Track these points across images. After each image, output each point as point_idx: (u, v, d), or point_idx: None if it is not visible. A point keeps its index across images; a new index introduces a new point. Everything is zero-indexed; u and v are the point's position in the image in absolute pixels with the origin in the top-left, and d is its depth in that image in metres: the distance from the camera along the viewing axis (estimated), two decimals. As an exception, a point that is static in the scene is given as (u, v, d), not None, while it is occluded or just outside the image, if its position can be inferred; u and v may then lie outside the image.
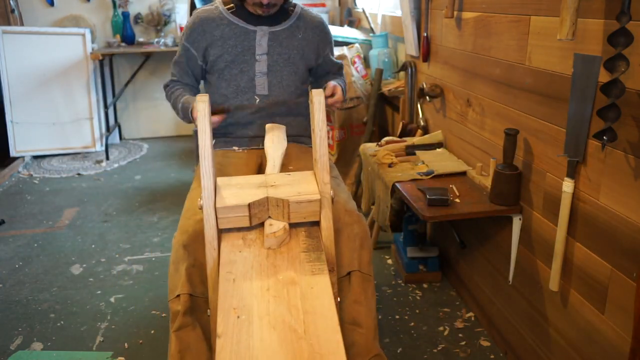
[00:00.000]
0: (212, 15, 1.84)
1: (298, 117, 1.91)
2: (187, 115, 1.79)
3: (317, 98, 1.34)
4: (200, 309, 1.43)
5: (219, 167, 1.74)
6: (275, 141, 1.66)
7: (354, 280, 1.50)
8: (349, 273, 1.50)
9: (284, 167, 1.72)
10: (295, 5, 1.91)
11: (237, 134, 1.89)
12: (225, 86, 1.85)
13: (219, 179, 1.43)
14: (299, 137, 1.91)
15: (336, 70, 2.04)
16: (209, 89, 1.93)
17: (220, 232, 1.35)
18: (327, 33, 1.96)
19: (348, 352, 1.42)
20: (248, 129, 1.87)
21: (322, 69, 2.01)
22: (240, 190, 1.37)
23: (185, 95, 1.84)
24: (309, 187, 1.38)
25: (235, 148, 1.88)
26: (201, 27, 1.82)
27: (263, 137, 1.81)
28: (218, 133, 1.90)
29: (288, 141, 1.85)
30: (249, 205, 1.31)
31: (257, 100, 1.85)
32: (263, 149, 1.71)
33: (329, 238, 1.36)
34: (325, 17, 4.36)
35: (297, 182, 1.41)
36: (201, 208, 1.30)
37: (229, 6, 1.84)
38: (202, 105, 1.30)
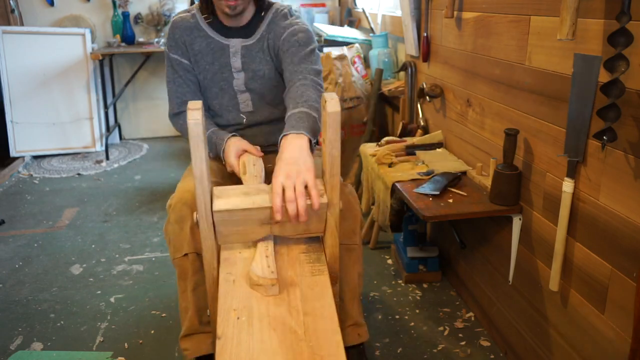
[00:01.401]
0: (189, 25, 1.71)
1: None
2: (216, 153, 1.66)
3: (333, 110, 1.15)
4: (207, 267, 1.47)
5: (213, 170, 1.72)
6: (251, 161, 1.58)
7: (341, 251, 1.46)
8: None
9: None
10: (271, 5, 1.73)
11: None
12: (211, 103, 1.77)
13: (215, 189, 1.31)
14: None
15: (299, 77, 1.55)
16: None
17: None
18: (285, 21, 1.68)
19: None
20: None
21: (286, 73, 1.63)
22: (242, 227, 1.27)
23: (209, 128, 1.69)
24: (317, 226, 1.31)
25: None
26: (181, 37, 1.71)
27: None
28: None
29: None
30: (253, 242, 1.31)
31: (244, 119, 1.78)
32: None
33: (333, 255, 1.33)
34: (325, 17, 4.36)
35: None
36: (196, 222, 1.25)
37: (205, 15, 1.71)
38: (194, 113, 1.16)
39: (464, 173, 2.02)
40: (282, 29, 1.66)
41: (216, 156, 1.68)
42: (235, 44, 1.70)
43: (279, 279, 1.17)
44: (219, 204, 1.23)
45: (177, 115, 1.78)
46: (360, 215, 1.60)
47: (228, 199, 1.25)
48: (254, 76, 1.72)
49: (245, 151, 1.62)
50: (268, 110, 1.78)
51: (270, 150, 1.76)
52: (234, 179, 1.69)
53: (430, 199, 1.83)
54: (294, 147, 1.25)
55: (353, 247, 1.53)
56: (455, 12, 2.08)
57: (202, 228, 1.25)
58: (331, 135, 1.20)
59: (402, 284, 2.35)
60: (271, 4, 1.74)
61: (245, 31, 1.71)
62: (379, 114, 3.15)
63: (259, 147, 1.63)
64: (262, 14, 1.71)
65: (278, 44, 1.67)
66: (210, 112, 1.81)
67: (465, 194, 1.84)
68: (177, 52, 1.72)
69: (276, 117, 1.79)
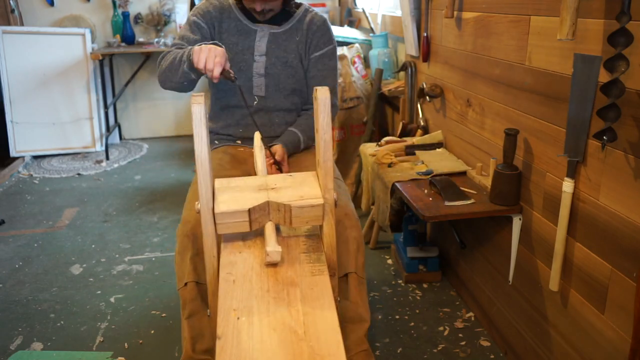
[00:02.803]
0: (222, 4, 1.81)
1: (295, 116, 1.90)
2: (191, 64, 1.55)
3: (322, 97, 1.24)
4: (206, 294, 1.47)
5: (219, 163, 1.74)
6: (257, 151, 1.62)
7: (351, 281, 1.54)
8: (346, 275, 1.54)
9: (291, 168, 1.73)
10: (300, 5, 1.87)
11: (237, 135, 1.88)
12: (224, 82, 1.80)
13: (217, 181, 1.39)
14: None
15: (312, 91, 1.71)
16: (211, 88, 1.90)
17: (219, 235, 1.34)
18: (323, 34, 1.83)
19: None
20: (247, 129, 1.86)
21: (309, 76, 1.85)
22: (239, 194, 1.32)
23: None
24: (311, 190, 1.33)
25: (239, 142, 1.87)
26: (214, 12, 1.79)
27: (266, 137, 1.80)
28: (217, 134, 1.89)
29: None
30: (249, 210, 1.26)
31: (255, 102, 1.83)
32: (266, 147, 1.71)
33: (330, 245, 1.33)
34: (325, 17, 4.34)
35: (298, 184, 1.36)
36: (198, 213, 1.27)
37: (236, 1, 1.82)
38: (197, 107, 1.22)
39: (464, 173, 2.02)
40: (321, 40, 1.82)
41: (189, 67, 1.58)
42: (264, 29, 1.80)
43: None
44: (220, 182, 1.36)
45: (163, 57, 1.71)
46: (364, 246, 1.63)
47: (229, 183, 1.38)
48: (276, 62, 1.80)
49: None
50: (279, 98, 1.84)
51: (273, 143, 1.80)
52: (248, 168, 1.75)
53: (431, 199, 1.83)
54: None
55: (364, 281, 1.58)
56: (455, 12, 2.08)
57: (203, 214, 1.27)
58: (322, 121, 1.25)
59: (402, 284, 2.35)
60: (299, 4, 1.86)
61: (274, 20, 1.81)
62: (379, 114, 3.15)
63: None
64: (291, 11, 1.83)
65: (312, 50, 1.82)
66: (222, 93, 1.85)
67: (475, 192, 1.84)
68: (203, 19, 1.78)
69: (285, 107, 1.86)
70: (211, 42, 1.57)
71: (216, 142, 1.88)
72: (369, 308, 1.59)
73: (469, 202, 1.78)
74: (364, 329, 1.55)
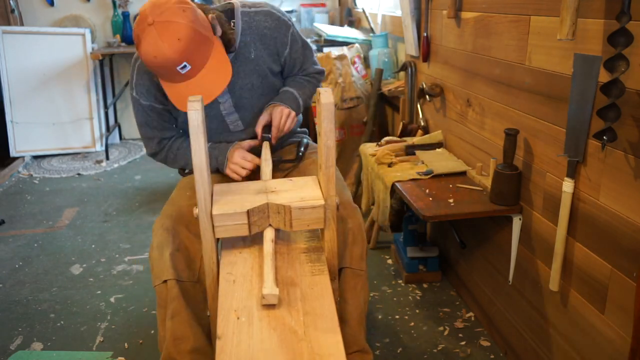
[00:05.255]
0: (154, 77, 1.57)
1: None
2: (216, 165, 1.64)
3: (326, 100, 1.20)
4: (188, 293, 1.43)
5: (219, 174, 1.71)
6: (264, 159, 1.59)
7: (343, 277, 1.47)
8: (339, 270, 1.46)
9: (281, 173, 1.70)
10: (232, 14, 1.59)
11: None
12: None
13: (215, 186, 1.37)
14: (291, 136, 1.84)
15: (299, 68, 1.73)
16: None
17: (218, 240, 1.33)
18: (279, 25, 1.63)
19: None
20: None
21: (289, 69, 1.73)
22: (238, 197, 1.30)
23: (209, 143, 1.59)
24: (312, 192, 1.31)
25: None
26: (152, 81, 1.58)
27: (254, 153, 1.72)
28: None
29: (283, 146, 1.81)
30: (247, 212, 1.24)
31: (235, 140, 1.70)
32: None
33: (332, 250, 1.33)
34: (325, 17, 4.35)
35: (299, 187, 1.35)
36: (197, 217, 1.25)
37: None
38: (194, 114, 1.18)
39: (464, 173, 2.02)
40: (279, 34, 1.64)
41: (214, 168, 1.66)
42: None
43: (278, 285, 1.16)
44: (218, 187, 1.35)
45: (158, 154, 1.74)
46: (367, 243, 1.57)
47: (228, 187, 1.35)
48: (241, 92, 1.64)
49: (250, 145, 1.65)
50: (256, 120, 1.68)
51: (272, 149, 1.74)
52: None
53: (430, 199, 1.83)
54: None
55: (360, 273, 1.50)
56: (455, 12, 2.08)
57: (202, 220, 1.25)
58: (326, 127, 1.22)
59: (402, 284, 2.35)
60: (232, 10, 1.60)
61: None
62: (379, 114, 3.15)
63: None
64: (232, 25, 1.58)
65: (280, 51, 1.66)
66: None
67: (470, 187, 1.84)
68: (149, 98, 1.61)
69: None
70: (229, 148, 1.62)
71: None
72: (363, 302, 1.50)
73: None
74: (356, 327, 1.47)
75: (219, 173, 1.70)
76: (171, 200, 1.60)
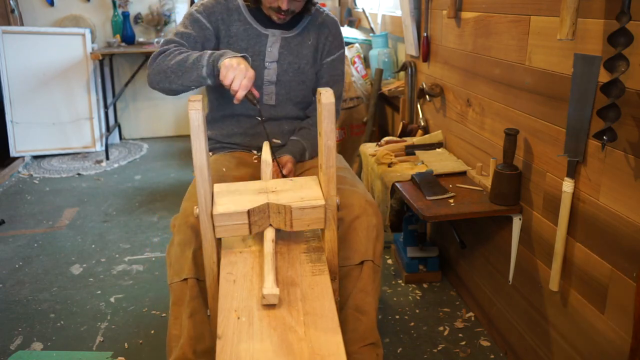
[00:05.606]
0: (231, 5, 1.69)
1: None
2: (212, 72, 1.51)
3: (327, 101, 1.20)
4: (206, 293, 1.41)
5: (227, 165, 1.70)
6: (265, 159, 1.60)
7: (365, 269, 1.49)
8: (362, 262, 1.49)
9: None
10: (314, 4, 1.75)
11: (244, 144, 1.80)
12: (229, 90, 1.58)
13: (216, 186, 1.37)
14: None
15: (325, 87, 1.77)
16: (210, 92, 1.80)
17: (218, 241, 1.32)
18: (335, 38, 1.79)
19: (347, 336, 1.43)
20: (255, 139, 1.78)
21: (318, 78, 1.80)
22: (238, 197, 1.30)
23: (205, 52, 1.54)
24: (312, 192, 1.31)
25: (254, 151, 1.80)
26: (221, 13, 1.67)
27: (274, 146, 1.75)
28: (219, 142, 1.81)
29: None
30: (248, 212, 1.24)
31: (260, 118, 1.69)
32: (274, 160, 1.66)
33: (332, 250, 1.32)
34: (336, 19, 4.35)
35: (299, 187, 1.35)
36: (197, 217, 1.25)
37: (247, 3, 1.69)
38: (195, 114, 1.18)
39: (464, 173, 2.03)
40: (333, 44, 1.78)
41: (210, 72, 1.53)
42: (276, 34, 1.71)
43: (279, 285, 1.16)
44: (219, 187, 1.35)
45: (162, 53, 1.60)
46: (383, 233, 1.58)
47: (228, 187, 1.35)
48: (288, 68, 1.72)
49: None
50: (289, 107, 1.77)
51: (281, 153, 1.76)
52: (250, 172, 1.71)
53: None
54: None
55: (379, 269, 1.54)
56: (455, 12, 2.08)
57: (202, 220, 1.25)
58: (326, 127, 1.22)
59: (402, 284, 2.35)
60: (313, 3, 1.74)
61: (285, 24, 1.71)
62: (379, 114, 3.15)
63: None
64: (305, 13, 1.73)
65: (324, 55, 1.77)
66: (225, 99, 1.73)
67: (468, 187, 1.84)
68: (206, 18, 1.66)
69: (295, 115, 1.80)
70: (241, 54, 1.50)
71: (219, 149, 1.81)
72: (378, 297, 1.54)
73: (449, 195, 1.83)
74: (373, 320, 1.49)
75: (219, 174, 1.71)
76: (190, 196, 1.57)
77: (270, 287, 1.11)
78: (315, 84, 1.80)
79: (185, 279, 1.43)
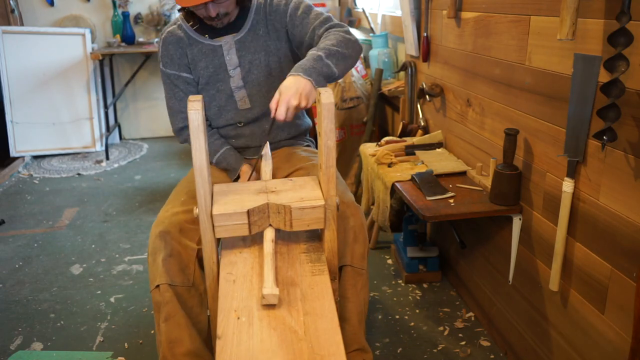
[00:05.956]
0: (178, 36, 1.71)
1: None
2: (228, 170, 1.75)
3: (327, 101, 1.21)
4: (181, 297, 1.44)
5: (218, 177, 1.73)
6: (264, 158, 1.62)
7: (344, 275, 1.47)
8: (340, 267, 1.46)
9: (282, 172, 1.71)
10: None
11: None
12: (207, 107, 1.76)
13: (215, 186, 1.38)
14: (294, 139, 1.87)
15: (318, 26, 1.63)
16: None
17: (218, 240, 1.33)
18: (280, 2, 1.71)
19: None
20: (238, 140, 1.81)
21: (305, 39, 1.67)
22: (238, 197, 1.31)
23: (224, 146, 1.76)
24: (312, 192, 1.31)
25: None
26: (175, 51, 1.71)
27: (256, 146, 1.79)
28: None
29: (283, 145, 1.84)
30: (247, 212, 1.25)
31: (242, 117, 1.78)
32: (257, 158, 1.69)
33: (332, 250, 1.33)
34: None
35: (299, 187, 1.35)
36: (197, 217, 1.26)
37: (191, 23, 1.71)
38: (194, 114, 1.19)
39: (464, 173, 2.03)
40: (282, 7, 1.69)
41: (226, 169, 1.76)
42: (228, 40, 1.70)
43: (278, 285, 1.16)
44: (218, 187, 1.36)
45: (184, 129, 1.78)
46: (368, 242, 1.58)
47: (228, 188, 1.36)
48: (250, 67, 1.72)
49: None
50: (265, 103, 1.75)
51: (275, 147, 1.80)
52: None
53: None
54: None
55: (361, 272, 1.50)
56: (455, 12, 2.08)
57: (202, 220, 1.25)
58: (326, 127, 1.22)
59: (402, 284, 2.35)
60: None
61: (233, 26, 1.70)
62: (379, 114, 3.15)
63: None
64: (245, 7, 1.71)
65: (285, 21, 1.69)
66: (209, 117, 1.80)
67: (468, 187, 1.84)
68: (174, 67, 1.72)
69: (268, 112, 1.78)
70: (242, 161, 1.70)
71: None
72: (364, 301, 1.51)
73: (449, 195, 1.82)
74: (356, 325, 1.47)
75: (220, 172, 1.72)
76: (166, 205, 1.61)
77: (270, 288, 1.11)
78: (287, 65, 1.73)
79: (158, 286, 1.44)
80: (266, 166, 1.54)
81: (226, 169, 1.77)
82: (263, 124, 1.79)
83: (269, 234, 1.27)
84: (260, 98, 1.75)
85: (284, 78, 1.47)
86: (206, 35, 1.71)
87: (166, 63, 1.73)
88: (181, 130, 1.79)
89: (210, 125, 1.83)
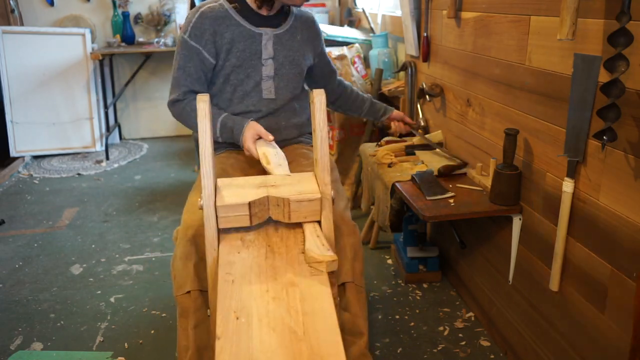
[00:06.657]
0: (219, 14, 1.73)
1: (302, 117, 1.91)
2: (231, 138, 1.73)
3: (319, 98, 1.33)
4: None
5: (223, 168, 1.74)
6: (273, 152, 1.66)
7: (349, 291, 1.51)
8: (343, 284, 1.51)
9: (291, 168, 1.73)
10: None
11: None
12: (231, 91, 1.79)
13: (219, 180, 1.43)
14: (302, 136, 1.93)
15: (329, 73, 2.03)
16: (211, 92, 1.83)
17: (219, 232, 1.35)
18: (318, 30, 1.94)
19: None
20: None
21: (318, 69, 1.98)
22: (240, 190, 1.38)
23: (221, 113, 1.75)
24: (309, 186, 1.39)
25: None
26: (210, 27, 1.71)
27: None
28: (220, 142, 1.84)
29: (292, 142, 1.90)
30: (249, 203, 1.31)
31: (264, 106, 1.81)
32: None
33: (329, 239, 1.36)
34: (325, 17, 4.35)
35: (297, 182, 1.42)
36: (201, 208, 1.30)
37: (234, 5, 1.75)
38: (203, 104, 1.29)
39: (464, 173, 2.02)
40: (320, 34, 1.95)
41: (227, 140, 1.75)
42: (268, 32, 1.78)
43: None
44: (222, 181, 1.42)
45: (179, 102, 1.77)
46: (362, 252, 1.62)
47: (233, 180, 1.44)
48: (284, 62, 1.81)
49: (260, 136, 1.69)
50: (287, 98, 1.84)
51: (284, 144, 1.84)
52: (254, 172, 1.74)
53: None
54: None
55: (362, 289, 1.54)
56: (455, 12, 2.08)
57: (206, 210, 1.30)
58: (319, 120, 1.33)
59: (402, 284, 2.35)
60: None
61: (273, 21, 1.80)
62: (379, 114, 3.14)
63: (270, 136, 1.69)
64: (285, 10, 1.84)
65: (316, 46, 1.93)
66: (226, 102, 1.81)
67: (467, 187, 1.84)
68: (200, 41, 1.72)
69: (291, 108, 1.87)
70: (246, 122, 1.70)
71: (218, 148, 1.85)
72: (367, 319, 1.56)
73: (449, 195, 1.83)
74: (366, 340, 1.52)
75: (223, 169, 1.73)
76: (189, 207, 1.59)
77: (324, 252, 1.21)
78: (302, 74, 1.90)
79: (189, 292, 1.46)
80: (274, 158, 1.61)
81: (232, 130, 1.72)
82: (280, 120, 1.85)
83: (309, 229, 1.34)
84: (286, 92, 1.83)
85: (300, 77, 1.86)
86: (246, 21, 1.76)
87: (194, 35, 1.71)
88: (175, 103, 1.78)
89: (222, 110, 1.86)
